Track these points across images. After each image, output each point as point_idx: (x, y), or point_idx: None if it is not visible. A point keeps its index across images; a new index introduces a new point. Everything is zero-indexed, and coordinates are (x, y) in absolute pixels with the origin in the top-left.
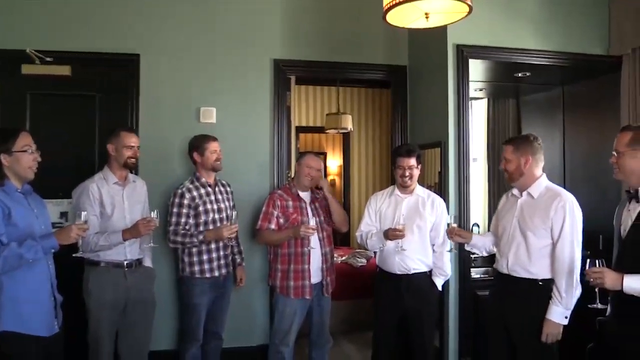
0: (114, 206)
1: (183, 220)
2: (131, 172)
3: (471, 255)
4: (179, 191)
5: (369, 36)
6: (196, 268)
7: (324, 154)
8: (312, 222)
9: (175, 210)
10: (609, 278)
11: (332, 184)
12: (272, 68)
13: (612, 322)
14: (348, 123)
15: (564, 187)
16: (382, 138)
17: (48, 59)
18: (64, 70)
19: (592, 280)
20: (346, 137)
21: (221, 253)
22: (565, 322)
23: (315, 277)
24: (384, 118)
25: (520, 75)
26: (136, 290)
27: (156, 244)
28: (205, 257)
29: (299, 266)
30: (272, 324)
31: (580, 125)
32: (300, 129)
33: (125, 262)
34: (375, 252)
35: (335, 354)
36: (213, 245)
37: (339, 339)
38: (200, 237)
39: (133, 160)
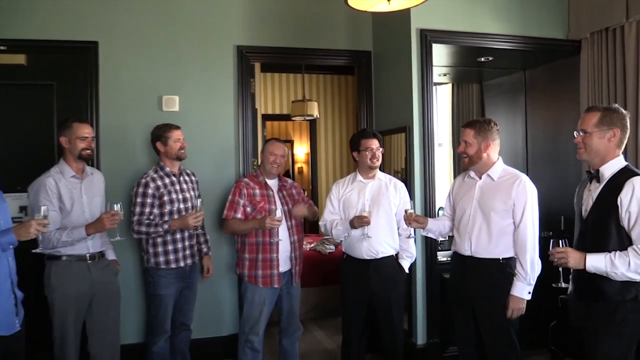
0: (73, 200)
1: (147, 210)
2: (88, 164)
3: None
4: (143, 181)
5: (333, 21)
6: (161, 259)
7: (291, 142)
8: (279, 213)
9: (139, 200)
10: (572, 258)
11: (300, 171)
12: (236, 55)
13: (574, 300)
14: (314, 110)
15: (527, 169)
16: (349, 124)
17: (1, 47)
18: (19, 59)
19: (556, 260)
20: (313, 125)
21: (187, 243)
22: (529, 297)
23: (284, 265)
24: (349, 104)
25: (483, 59)
26: (101, 283)
27: (122, 237)
28: (170, 247)
29: (267, 255)
30: (242, 313)
31: (542, 108)
32: (267, 117)
33: (88, 255)
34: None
35: (306, 340)
36: (178, 235)
37: (310, 325)
38: (166, 226)
39: (88, 151)
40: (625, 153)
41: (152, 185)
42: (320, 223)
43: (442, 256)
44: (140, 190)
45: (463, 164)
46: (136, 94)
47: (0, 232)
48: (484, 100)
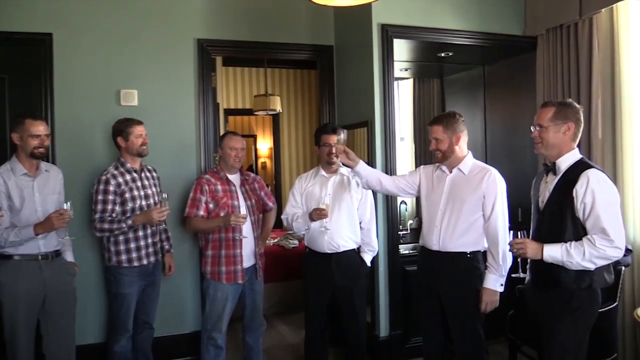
0: (24, 199)
1: (109, 207)
2: (44, 160)
3: (399, 232)
4: (104, 177)
5: (295, 16)
6: (123, 257)
7: (254, 137)
8: (243, 210)
9: (100, 197)
10: (530, 248)
11: (264, 166)
12: (196, 48)
13: (531, 289)
14: (277, 104)
15: (486, 162)
16: (312, 119)
17: None
18: None
19: (515, 250)
20: (276, 119)
21: (149, 240)
22: (502, 289)
23: (248, 261)
24: (312, 99)
25: (443, 55)
26: (54, 283)
27: (72, 236)
28: (132, 245)
29: (231, 251)
30: (204, 310)
31: (500, 102)
32: (229, 112)
33: (40, 255)
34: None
35: (270, 336)
36: (141, 233)
37: (274, 321)
38: (129, 221)
39: (41, 150)
40: (578, 146)
41: (112, 182)
42: (282, 217)
43: (405, 249)
44: (101, 187)
45: (436, 160)
46: (93, 87)
47: None
48: (444, 95)
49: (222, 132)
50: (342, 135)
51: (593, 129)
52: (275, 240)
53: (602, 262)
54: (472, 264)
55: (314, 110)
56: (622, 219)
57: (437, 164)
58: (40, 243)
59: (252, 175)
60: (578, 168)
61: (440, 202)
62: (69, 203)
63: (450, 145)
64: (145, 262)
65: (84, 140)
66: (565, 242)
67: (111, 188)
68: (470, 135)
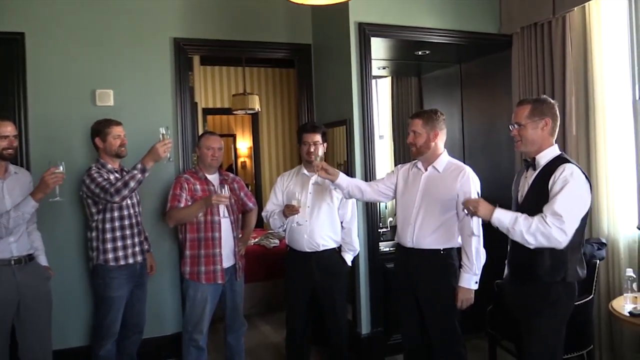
0: None
1: (106, 177)
2: (14, 163)
3: (379, 230)
4: (93, 171)
5: (273, 14)
6: (110, 255)
7: (234, 136)
8: (225, 190)
9: (95, 175)
10: (482, 207)
11: (243, 166)
12: (172, 47)
13: (508, 283)
14: (255, 104)
15: (464, 159)
16: (291, 118)
17: None
18: None
19: (471, 208)
20: (255, 118)
21: (136, 239)
22: (476, 287)
23: (228, 261)
24: (291, 98)
25: (420, 53)
26: (28, 287)
27: (62, 197)
28: (120, 243)
29: (210, 250)
30: (184, 312)
31: (477, 100)
32: (208, 111)
33: (13, 260)
34: (285, 232)
35: (252, 335)
36: (128, 232)
37: (255, 320)
38: (139, 165)
39: (10, 151)
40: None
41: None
42: (262, 214)
43: (385, 247)
44: (93, 171)
45: (411, 154)
46: (68, 87)
47: None
48: (422, 92)
49: (200, 132)
50: (320, 137)
51: (567, 126)
52: (256, 239)
53: (543, 241)
54: (446, 261)
55: (293, 109)
56: (579, 217)
57: (413, 162)
58: (13, 247)
59: (232, 175)
60: (556, 163)
61: (415, 200)
62: (62, 163)
63: (427, 140)
64: (131, 260)
65: (59, 141)
66: None
67: (104, 175)
68: (448, 132)
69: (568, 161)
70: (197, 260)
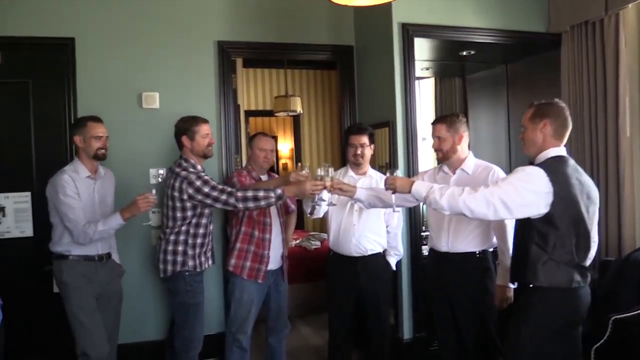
0: (86, 200)
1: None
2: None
3: (422, 234)
4: (191, 169)
5: (315, 16)
6: (198, 261)
7: (275, 138)
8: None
9: (207, 178)
10: (399, 183)
11: (285, 167)
12: (216, 50)
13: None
14: (297, 105)
15: (510, 162)
16: (332, 120)
17: None
18: None
19: (388, 185)
20: (296, 120)
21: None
22: (514, 285)
23: (275, 263)
24: (332, 100)
25: (465, 53)
26: (106, 283)
27: (154, 223)
28: (205, 248)
29: (260, 250)
30: (229, 312)
31: (524, 101)
32: (250, 113)
33: (97, 256)
34: (328, 236)
35: (292, 337)
36: (208, 238)
37: (296, 322)
38: (279, 191)
39: (103, 151)
40: (603, 146)
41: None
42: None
43: (427, 250)
44: (193, 175)
45: (437, 159)
46: (115, 91)
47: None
48: (466, 94)
49: (243, 134)
50: (367, 139)
51: (621, 127)
52: (297, 241)
53: (456, 206)
54: (482, 264)
55: (335, 110)
56: (510, 204)
57: (438, 166)
58: (99, 245)
59: (276, 176)
60: (547, 163)
61: None
62: (154, 190)
63: (453, 144)
64: (206, 266)
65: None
66: (528, 243)
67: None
68: (493, 133)
69: (559, 162)
70: (245, 255)
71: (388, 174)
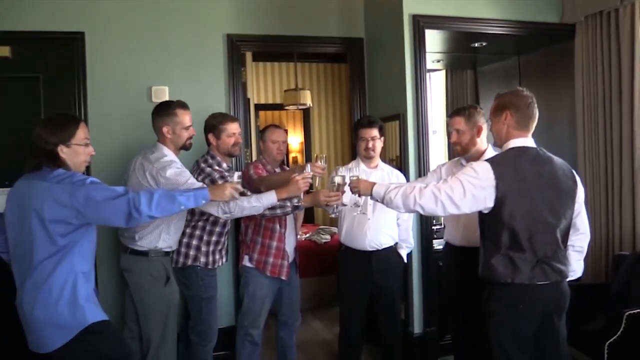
0: None
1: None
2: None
3: (433, 227)
4: (209, 160)
5: (325, 9)
6: (211, 258)
7: (285, 131)
8: (308, 168)
9: (216, 175)
10: (362, 186)
11: (295, 161)
12: (226, 43)
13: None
14: (307, 99)
15: None
16: (342, 113)
17: None
18: (3, 51)
19: (352, 188)
20: (306, 114)
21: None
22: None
23: (290, 256)
24: (343, 93)
25: (476, 45)
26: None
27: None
28: (220, 246)
29: (282, 244)
30: (241, 306)
31: (536, 93)
32: (260, 107)
33: (171, 251)
34: (339, 230)
35: (303, 331)
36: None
37: (306, 316)
38: (295, 201)
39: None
40: (617, 138)
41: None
42: None
43: (438, 244)
44: (216, 167)
45: (455, 153)
46: (125, 85)
47: (196, 188)
48: (478, 86)
49: (252, 127)
50: (377, 132)
51: (636, 119)
52: (307, 235)
53: (408, 204)
54: None
55: (345, 103)
56: (454, 197)
57: (455, 159)
58: (174, 239)
59: (287, 169)
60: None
61: None
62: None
63: (472, 137)
64: (220, 263)
65: (117, 137)
66: (481, 229)
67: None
68: None
69: (521, 152)
70: (267, 251)
71: (334, 173)
